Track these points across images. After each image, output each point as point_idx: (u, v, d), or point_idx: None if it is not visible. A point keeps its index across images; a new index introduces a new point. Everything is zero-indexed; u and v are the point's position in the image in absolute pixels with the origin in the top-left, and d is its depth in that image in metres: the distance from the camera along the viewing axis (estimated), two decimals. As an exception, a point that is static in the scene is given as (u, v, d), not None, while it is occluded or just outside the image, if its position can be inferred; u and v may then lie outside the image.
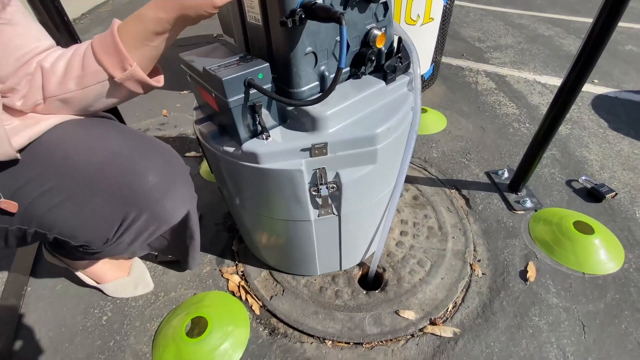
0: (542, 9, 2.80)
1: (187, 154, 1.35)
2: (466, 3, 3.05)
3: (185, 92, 1.82)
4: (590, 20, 0.77)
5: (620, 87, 1.67)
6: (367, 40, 0.61)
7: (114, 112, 0.88)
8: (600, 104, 1.55)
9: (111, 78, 0.49)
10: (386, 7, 0.61)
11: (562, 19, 2.56)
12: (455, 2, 2.98)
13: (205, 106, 0.66)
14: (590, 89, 1.67)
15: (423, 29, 1.38)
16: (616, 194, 1.06)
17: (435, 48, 1.55)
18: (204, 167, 1.27)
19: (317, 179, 0.60)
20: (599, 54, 0.77)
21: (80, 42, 0.61)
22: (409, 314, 0.79)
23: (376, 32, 0.59)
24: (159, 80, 0.56)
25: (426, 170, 1.23)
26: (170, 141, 1.43)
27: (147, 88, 0.54)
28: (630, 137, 1.34)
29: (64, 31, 0.75)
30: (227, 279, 0.89)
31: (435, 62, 1.66)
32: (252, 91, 0.52)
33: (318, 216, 0.68)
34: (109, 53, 0.48)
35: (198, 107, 0.71)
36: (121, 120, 0.96)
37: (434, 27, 1.44)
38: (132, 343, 0.77)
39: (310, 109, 0.56)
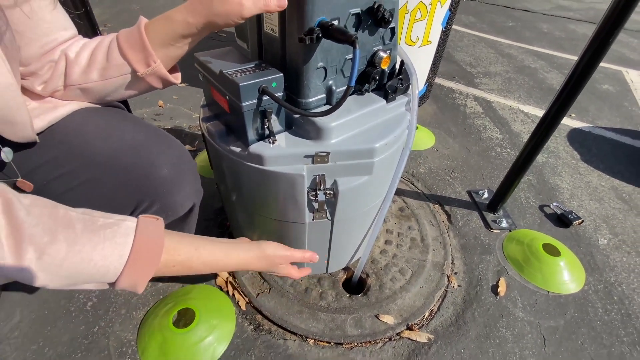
0: (530, 41, 2.97)
1: (181, 147, 1.36)
2: (462, 28, 3.19)
3: (183, 84, 1.82)
4: (573, 57, 0.84)
5: (594, 123, 1.81)
6: (373, 61, 0.65)
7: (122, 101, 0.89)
8: (575, 137, 1.67)
9: (134, 72, 0.52)
10: (393, 32, 0.66)
11: (547, 53, 2.73)
12: (452, 26, 3.11)
13: (213, 105, 0.69)
14: (568, 122, 1.80)
15: (421, 51, 1.45)
16: (582, 221, 1.15)
17: (430, 69, 1.63)
18: (197, 161, 1.28)
19: (316, 184, 0.64)
20: (580, 90, 0.84)
21: (100, 32, 0.63)
22: (388, 319, 0.84)
23: (382, 54, 0.64)
24: (177, 78, 0.59)
25: (413, 184, 1.29)
26: (165, 133, 1.43)
27: (166, 84, 0.57)
28: (599, 170, 1.45)
29: (85, 19, 0.76)
30: (216, 274, 0.91)
31: (429, 82, 1.74)
32: (265, 98, 0.55)
33: (312, 219, 0.72)
34: (134, 48, 0.50)
35: (205, 105, 0.74)
36: (129, 110, 0.97)
37: (431, 50, 1.51)
38: (117, 330, 0.78)
39: (317, 119, 0.60)
